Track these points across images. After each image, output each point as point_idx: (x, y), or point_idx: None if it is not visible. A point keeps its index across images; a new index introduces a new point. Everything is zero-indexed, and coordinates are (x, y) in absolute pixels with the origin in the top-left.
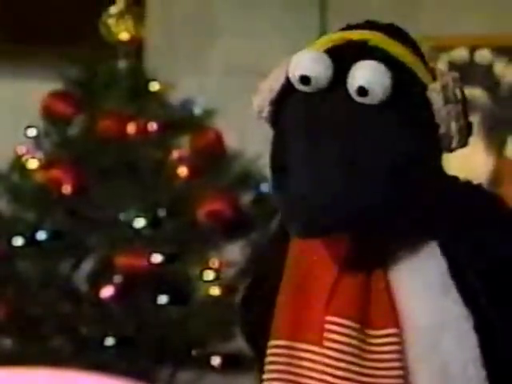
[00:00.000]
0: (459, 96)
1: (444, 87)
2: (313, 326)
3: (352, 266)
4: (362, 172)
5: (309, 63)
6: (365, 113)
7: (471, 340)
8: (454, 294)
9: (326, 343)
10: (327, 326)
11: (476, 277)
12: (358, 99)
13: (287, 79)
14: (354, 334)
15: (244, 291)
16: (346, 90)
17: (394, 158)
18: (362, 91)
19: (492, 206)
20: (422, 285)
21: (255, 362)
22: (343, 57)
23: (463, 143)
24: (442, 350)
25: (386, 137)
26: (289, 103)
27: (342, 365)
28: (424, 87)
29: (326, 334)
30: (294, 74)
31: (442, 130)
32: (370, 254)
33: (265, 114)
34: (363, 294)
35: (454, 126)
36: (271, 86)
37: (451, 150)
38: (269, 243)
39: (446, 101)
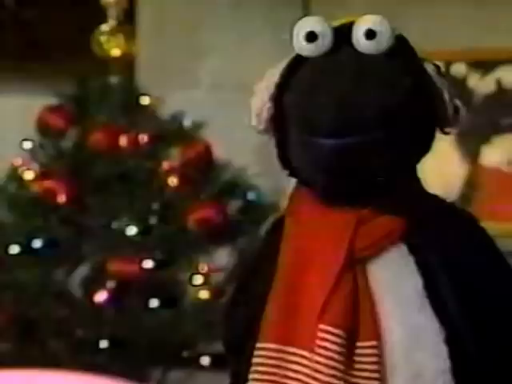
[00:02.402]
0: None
1: (437, 66)
2: (305, 331)
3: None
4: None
5: (313, 22)
6: (371, 61)
7: (442, 352)
8: (428, 310)
9: (318, 350)
10: (320, 334)
11: (450, 294)
12: (365, 44)
13: (290, 62)
14: (344, 343)
15: (231, 294)
16: (352, 46)
17: (396, 110)
18: (370, 33)
19: (471, 226)
20: (399, 301)
21: (232, 363)
22: (344, 24)
23: (454, 123)
24: (414, 362)
25: (388, 82)
26: (295, 77)
27: (331, 372)
28: (421, 59)
29: (318, 342)
30: (300, 33)
31: (438, 99)
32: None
33: (264, 114)
34: (353, 306)
35: (446, 97)
36: (267, 83)
37: (444, 125)
38: (258, 246)
39: (440, 75)
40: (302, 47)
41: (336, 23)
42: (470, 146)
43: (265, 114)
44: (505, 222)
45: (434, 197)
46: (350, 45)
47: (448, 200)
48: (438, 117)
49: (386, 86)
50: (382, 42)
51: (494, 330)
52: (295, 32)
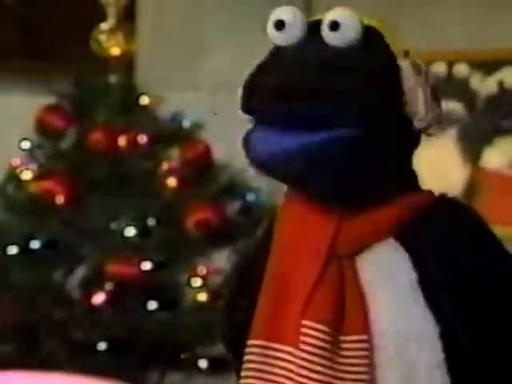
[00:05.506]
0: (430, 79)
1: (416, 64)
2: (289, 328)
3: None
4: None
5: (283, 10)
6: (338, 55)
7: (436, 347)
8: (421, 304)
9: (302, 346)
10: (303, 330)
11: (444, 288)
12: (330, 35)
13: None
14: (328, 338)
15: (228, 294)
16: (321, 38)
17: (363, 104)
18: (334, 24)
19: (464, 219)
20: (393, 295)
21: (233, 363)
22: (318, 17)
23: (428, 127)
24: (407, 357)
25: (356, 81)
26: (266, 64)
27: (317, 368)
28: (395, 57)
29: (301, 338)
30: (270, 21)
31: (409, 97)
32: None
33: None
34: (339, 300)
35: (421, 97)
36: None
37: (416, 132)
38: (253, 248)
39: (416, 73)
40: (271, 34)
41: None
42: (472, 148)
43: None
44: (506, 226)
45: (427, 192)
46: (320, 37)
47: (442, 193)
48: (412, 115)
49: (342, 74)
50: (347, 34)
51: (488, 324)
52: (269, 19)
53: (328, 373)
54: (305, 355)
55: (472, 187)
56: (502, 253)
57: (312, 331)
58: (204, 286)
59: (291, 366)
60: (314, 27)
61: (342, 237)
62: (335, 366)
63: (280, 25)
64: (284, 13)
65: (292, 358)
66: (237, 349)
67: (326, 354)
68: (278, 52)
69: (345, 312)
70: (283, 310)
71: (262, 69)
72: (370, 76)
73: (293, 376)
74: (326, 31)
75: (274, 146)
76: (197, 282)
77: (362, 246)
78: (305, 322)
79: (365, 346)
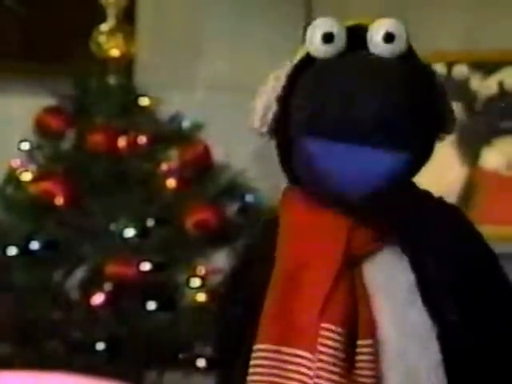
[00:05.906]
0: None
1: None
2: (305, 331)
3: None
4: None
5: (330, 23)
6: (388, 62)
7: (434, 348)
8: (419, 306)
9: (321, 349)
10: (322, 333)
11: (442, 290)
12: (383, 47)
13: (297, 64)
14: (344, 341)
15: (224, 294)
16: (365, 49)
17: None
18: (390, 36)
19: (460, 222)
20: (392, 298)
21: (224, 365)
22: (356, 25)
23: (451, 128)
24: (407, 359)
25: (408, 88)
26: (304, 79)
27: (337, 370)
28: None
29: (321, 340)
30: (316, 34)
31: (442, 104)
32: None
33: (268, 116)
34: (353, 304)
35: (449, 100)
36: (273, 85)
37: (444, 130)
38: (251, 250)
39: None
40: (318, 48)
41: (347, 24)
42: (470, 149)
43: (269, 116)
44: (503, 226)
45: (425, 193)
46: (363, 47)
47: (438, 196)
48: (440, 122)
49: (415, 93)
50: (399, 46)
51: (486, 325)
52: (309, 33)
53: (347, 375)
54: (325, 358)
55: (470, 187)
56: (495, 257)
57: (331, 334)
58: (203, 287)
59: (306, 370)
60: (353, 35)
61: (355, 240)
62: (350, 369)
63: (329, 38)
64: (330, 25)
65: (309, 363)
66: (230, 352)
67: (343, 356)
68: (333, 64)
69: (358, 316)
70: (295, 315)
71: (328, 87)
72: (423, 90)
73: (308, 380)
74: (378, 42)
75: (366, 165)
76: (196, 282)
77: (372, 248)
78: (324, 325)
79: (372, 350)
